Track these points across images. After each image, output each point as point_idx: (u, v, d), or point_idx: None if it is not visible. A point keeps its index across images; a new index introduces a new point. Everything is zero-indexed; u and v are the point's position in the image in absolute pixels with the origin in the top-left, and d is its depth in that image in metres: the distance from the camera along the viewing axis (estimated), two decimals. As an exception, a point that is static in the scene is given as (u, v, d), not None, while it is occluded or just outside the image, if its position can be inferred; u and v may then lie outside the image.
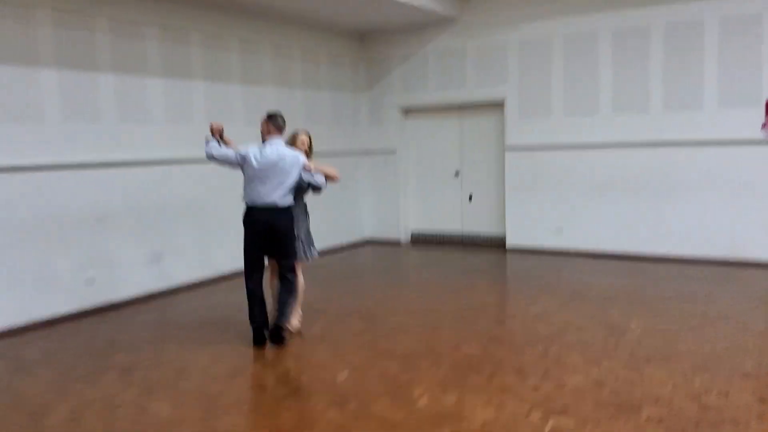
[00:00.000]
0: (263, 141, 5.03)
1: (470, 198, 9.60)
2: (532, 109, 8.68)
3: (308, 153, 5.25)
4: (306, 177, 5.00)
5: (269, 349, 5.00)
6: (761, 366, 4.28)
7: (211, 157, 5.04)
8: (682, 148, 7.77)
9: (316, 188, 5.14)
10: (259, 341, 4.96)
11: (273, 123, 5.06)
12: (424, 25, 9.23)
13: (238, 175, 5.22)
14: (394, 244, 9.95)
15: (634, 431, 3.42)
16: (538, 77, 8.57)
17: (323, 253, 9.08)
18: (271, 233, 4.91)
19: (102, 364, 4.77)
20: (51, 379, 4.48)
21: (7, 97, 5.60)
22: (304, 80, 8.92)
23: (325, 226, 9.29)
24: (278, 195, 4.89)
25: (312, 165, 5.05)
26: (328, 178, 5.14)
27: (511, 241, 9.04)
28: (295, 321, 5.20)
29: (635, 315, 5.59)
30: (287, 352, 4.90)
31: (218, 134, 5.12)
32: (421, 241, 10.05)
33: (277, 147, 4.97)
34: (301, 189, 5.10)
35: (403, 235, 10.11)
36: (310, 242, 5.30)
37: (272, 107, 8.26)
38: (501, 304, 6.46)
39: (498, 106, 9.02)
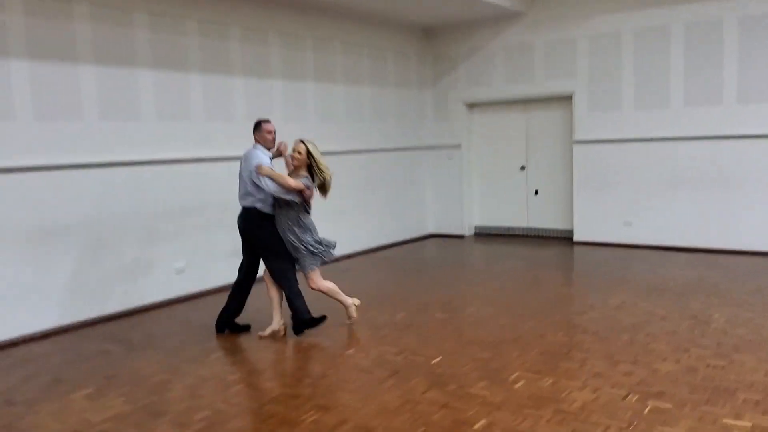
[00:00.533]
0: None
1: (536, 192, 9.68)
2: (601, 103, 8.71)
3: (307, 162, 5.13)
4: (254, 179, 4.99)
5: (362, 334, 5.23)
6: None
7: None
8: (756, 140, 7.71)
9: (274, 194, 5.00)
10: (218, 329, 5.39)
11: (257, 127, 5.28)
12: (491, 20, 9.34)
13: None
14: (458, 238, 10.09)
15: (732, 414, 3.51)
16: (608, 71, 8.60)
17: (389, 247, 9.34)
18: (242, 234, 5.28)
19: (206, 346, 5.07)
20: (162, 359, 4.80)
21: (110, 97, 5.97)
22: (372, 77, 9.14)
23: (390, 220, 9.54)
24: (239, 195, 5.20)
25: (265, 170, 4.95)
26: (280, 185, 4.93)
27: (578, 236, 9.09)
28: (353, 311, 5.43)
29: (716, 306, 5.63)
30: (378, 338, 5.11)
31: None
32: (484, 235, 10.18)
33: (248, 150, 5.18)
34: (287, 203, 5.06)
35: (467, 230, 10.25)
36: (302, 254, 5.14)
37: (342, 104, 8.61)
38: (578, 295, 6.56)
39: (566, 100, 9.08)
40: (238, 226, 5.21)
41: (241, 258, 5.42)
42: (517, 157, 9.80)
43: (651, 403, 3.68)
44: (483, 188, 10.22)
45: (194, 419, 3.70)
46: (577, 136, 8.95)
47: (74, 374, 4.55)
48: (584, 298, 6.31)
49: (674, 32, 8.06)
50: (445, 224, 10.35)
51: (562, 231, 9.46)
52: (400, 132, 9.74)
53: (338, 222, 8.54)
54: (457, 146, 10.08)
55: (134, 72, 6.19)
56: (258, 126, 5.24)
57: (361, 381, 4.23)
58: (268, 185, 4.94)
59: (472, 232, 10.35)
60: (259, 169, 4.95)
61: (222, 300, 5.60)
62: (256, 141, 5.21)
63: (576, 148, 8.99)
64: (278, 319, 5.23)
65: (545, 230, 9.66)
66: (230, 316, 5.35)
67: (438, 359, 4.58)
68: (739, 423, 3.41)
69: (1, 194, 5.23)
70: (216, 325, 5.37)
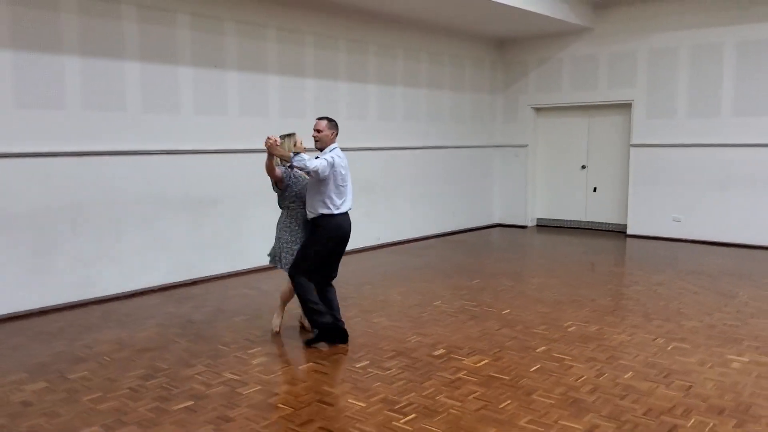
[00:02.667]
0: (326, 146, 4.81)
1: (594, 189, 10.75)
2: (657, 111, 9.72)
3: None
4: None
5: (446, 293, 6.52)
6: None
7: (321, 174, 4.63)
8: (799, 149, 8.60)
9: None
10: (342, 337, 4.92)
11: (338, 129, 4.92)
12: (561, 34, 10.46)
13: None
14: (521, 228, 11.25)
15: (735, 353, 4.63)
16: (665, 82, 9.60)
17: (460, 232, 10.59)
18: (346, 240, 4.98)
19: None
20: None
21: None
22: (451, 82, 10.40)
23: (462, 209, 10.81)
24: (350, 199, 4.94)
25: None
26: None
27: (632, 229, 10.13)
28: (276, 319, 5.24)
29: (744, 286, 6.67)
30: (458, 295, 6.38)
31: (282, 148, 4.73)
32: (545, 227, 11.30)
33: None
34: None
35: (530, 221, 11.40)
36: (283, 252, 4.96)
37: (425, 108, 9.89)
38: (626, 274, 7.66)
39: (625, 107, 10.13)
40: (348, 232, 4.92)
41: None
42: (578, 157, 10.88)
43: (674, 344, 4.84)
44: (546, 184, 11.34)
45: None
46: (634, 140, 9.98)
47: (228, 307, 5.96)
48: (631, 276, 7.42)
49: (726, 50, 9.01)
50: (509, 215, 11.52)
51: (616, 225, 10.51)
52: (474, 132, 10.98)
53: (417, 209, 9.89)
54: (524, 146, 11.23)
55: (225, 74, 7.62)
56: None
57: (448, 321, 5.52)
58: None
59: (534, 223, 11.49)
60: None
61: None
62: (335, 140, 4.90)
63: (633, 151, 10.03)
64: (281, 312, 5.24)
65: (601, 224, 10.73)
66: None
67: (507, 311, 5.82)
68: (739, 358, 4.53)
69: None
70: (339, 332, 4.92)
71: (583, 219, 10.96)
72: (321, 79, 8.27)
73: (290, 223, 4.92)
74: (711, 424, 3.50)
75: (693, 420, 3.55)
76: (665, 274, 7.31)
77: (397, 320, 5.55)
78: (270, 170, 4.76)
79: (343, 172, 4.80)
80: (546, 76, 10.87)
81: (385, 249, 9.11)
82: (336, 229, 4.80)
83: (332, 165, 4.67)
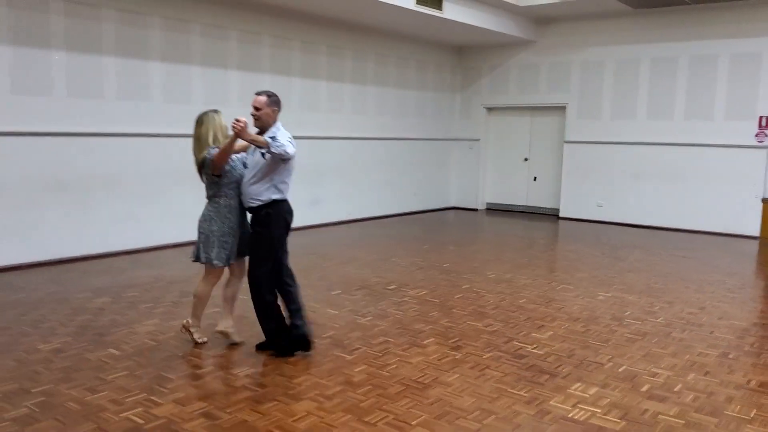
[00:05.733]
0: (267, 126, 4.26)
1: (535, 179, 12.60)
2: (586, 113, 11.59)
3: None
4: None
5: (402, 251, 8.27)
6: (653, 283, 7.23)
7: (283, 158, 4.14)
8: (696, 148, 10.52)
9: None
10: (305, 345, 4.44)
11: (280, 105, 4.37)
12: (509, 44, 12.26)
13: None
14: (473, 211, 13.07)
15: (603, 291, 6.45)
16: (593, 89, 11.47)
17: (421, 212, 12.38)
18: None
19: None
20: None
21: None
22: (417, 83, 12.14)
23: (422, 193, 12.58)
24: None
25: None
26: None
27: (563, 213, 12.00)
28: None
29: (635, 254, 8.55)
30: (410, 255, 8.13)
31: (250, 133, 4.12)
32: (494, 210, 13.14)
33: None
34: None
35: (480, 205, 13.22)
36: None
37: (393, 105, 11.62)
38: (548, 244, 9.50)
39: (561, 109, 11.98)
40: (290, 223, 4.46)
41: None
42: (521, 151, 12.72)
43: (562, 286, 6.66)
44: (495, 173, 13.16)
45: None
46: (567, 137, 11.84)
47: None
48: (551, 246, 9.26)
49: (642, 64, 10.90)
50: (463, 200, 13.33)
51: (552, 209, 12.38)
52: (434, 126, 12.74)
53: (384, 190, 11.63)
54: (477, 140, 13.04)
55: (260, 76, 9.27)
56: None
57: (400, 269, 7.28)
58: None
59: (485, 207, 13.31)
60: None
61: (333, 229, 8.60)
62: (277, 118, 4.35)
63: (566, 147, 11.89)
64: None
65: (540, 208, 12.59)
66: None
67: (447, 265, 7.60)
68: (604, 294, 6.36)
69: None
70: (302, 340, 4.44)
71: (525, 204, 12.81)
72: (309, 79, 9.94)
73: (228, 212, 4.37)
74: (566, 325, 5.30)
75: (555, 323, 5.35)
76: (578, 245, 9.18)
77: (361, 268, 7.28)
78: (224, 158, 4.19)
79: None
80: (496, 80, 12.67)
81: (354, 223, 10.85)
82: (289, 213, 4.39)
83: (292, 143, 4.19)
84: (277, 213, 4.31)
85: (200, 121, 4.38)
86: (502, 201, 13.14)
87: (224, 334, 4.62)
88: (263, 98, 4.26)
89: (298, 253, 7.94)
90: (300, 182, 9.99)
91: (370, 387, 3.91)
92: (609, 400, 3.79)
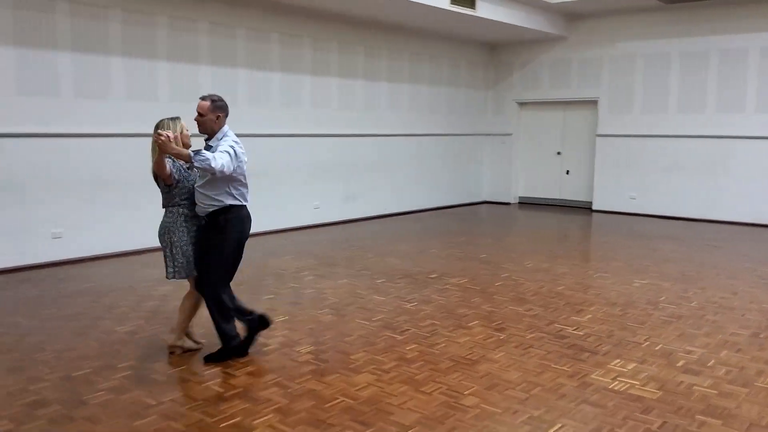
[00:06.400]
0: (212, 132, 4.16)
1: (567, 172, 12.80)
2: (618, 107, 11.76)
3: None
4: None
5: (438, 243, 8.58)
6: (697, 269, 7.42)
7: (226, 172, 3.96)
8: (724, 140, 10.65)
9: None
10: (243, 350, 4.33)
11: (226, 110, 4.24)
12: (541, 41, 12.47)
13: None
14: (505, 204, 13.31)
15: (639, 279, 6.69)
16: (624, 83, 11.64)
17: (453, 207, 12.67)
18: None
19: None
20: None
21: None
22: (449, 80, 12.43)
23: (455, 187, 12.87)
24: (248, 192, 4.31)
25: None
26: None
27: (596, 206, 12.20)
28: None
29: (669, 244, 8.74)
30: (448, 246, 8.44)
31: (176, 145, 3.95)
32: (526, 203, 13.37)
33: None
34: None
35: (513, 199, 13.46)
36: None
37: (426, 103, 11.93)
38: (582, 236, 9.73)
39: (593, 103, 12.17)
40: (248, 230, 4.32)
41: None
42: (554, 145, 12.93)
43: (599, 274, 6.91)
44: (527, 167, 13.39)
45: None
46: (600, 131, 12.03)
47: (278, 250, 8.06)
48: (585, 237, 9.49)
49: (672, 58, 11.04)
50: (495, 194, 13.58)
51: (584, 202, 12.58)
52: (466, 122, 13.02)
53: (419, 185, 11.94)
54: (509, 134, 13.28)
55: (301, 78, 9.65)
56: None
57: (439, 260, 7.60)
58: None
59: (517, 200, 13.55)
60: None
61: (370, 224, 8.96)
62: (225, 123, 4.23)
63: (598, 140, 12.07)
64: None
65: (572, 201, 12.79)
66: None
67: (484, 255, 7.89)
68: (640, 281, 6.60)
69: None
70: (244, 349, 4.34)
71: (557, 197, 13.02)
72: (346, 79, 10.30)
73: (184, 221, 4.22)
74: (604, 309, 5.57)
75: (593, 307, 5.62)
76: (612, 236, 9.40)
77: (401, 259, 7.62)
78: (161, 168, 4.03)
79: (246, 160, 4.18)
80: (528, 76, 12.90)
81: (389, 218, 11.18)
82: (248, 220, 4.27)
83: (236, 156, 4.04)
84: (235, 218, 4.17)
85: (156, 128, 4.10)
86: (534, 194, 13.36)
87: (180, 348, 4.41)
88: (207, 103, 4.09)
89: (337, 246, 8.34)
90: (335, 179, 10.39)
91: (423, 362, 4.24)
92: (647, 374, 4.07)
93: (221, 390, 3.77)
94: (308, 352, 4.42)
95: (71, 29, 7.12)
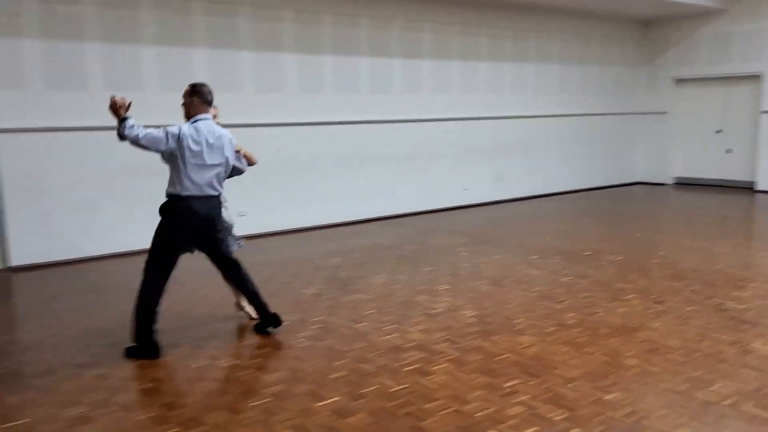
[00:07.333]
0: (189, 116, 4.18)
1: (728, 151, 12.21)
2: (786, 81, 11.06)
3: None
4: (232, 160, 4.33)
5: (592, 221, 8.67)
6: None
7: (134, 141, 3.92)
8: None
9: (241, 172, 4.52)
10: (155, 353, 4.11)
11: (200, 97, 4.18)
12: (699, 14, 11.97)
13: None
14: (660, 185, 12.94)
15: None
16: (794, 55, 10.92)
17: (605, 188, 12.53)
18: (209, 227, 4.23)
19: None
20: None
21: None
22: (600, 59, 12.28)
23: (608, 168, 12.73)
24: (218, 182, 4.20)
25: (240, 146, 4.44)
26: (249, 161, 4.56)
27: (761, 186, 11.57)
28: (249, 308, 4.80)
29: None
30: (602, 224, 8.50)
31: (125, 111, 3.93)
32: (683, 184, 12.92)
33: (211, 125, 4.18)
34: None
35: (668, 179, 13.05)
36: (229, 234, 4.68)
37: (576, 82, 11.89)
38: (743, 216, 9.36)
39: (755, 78, 11.52)
40: (209, 218, 4.19)
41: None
42: (713, 123, 12.37)
43: (762, 253, 6.73)
44: (683, 147, 12.91)
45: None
46: (764, 107, 11.37)
47: (433, 228, 8.57)
48: (747, 217, 9.13)
49: None
50: (650, 174, 13.23)
51: (746, 182, 11.95)
52: (618, 101, 12.79)
53: (569, 166, 11.98)
54: (664, 113, 12.87)
55: (449, 63, 10.06)
56: (207, 93, 4.23)
57: (593, 238, 7.72)
58: (244, 165, 4.50)
59: (673, 181, 13.12)
60: (238, 147, 4.41)
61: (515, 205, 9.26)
62: (205, 111, 4.21)
63: (763, 117, 11.42)
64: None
65: (733, 181, 12.19)
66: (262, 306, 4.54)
67: (639, 234, 7.90)
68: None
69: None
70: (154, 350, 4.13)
71: (717, 177, 12.46)
72: (511, 63, 10.57)
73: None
74: (766, 285, 5.51)
75: (755, 284, 5.57)
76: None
77: (554, 238, 7.83)
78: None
79: (195, 148, 4.04)
80: (684, 52, 12.42)
81: (539, 198, 11.32)
82: (183, 214, 4.10)
83: (174, 136, 3.99)
84: (169, 210, 4.12)
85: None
86: (691, 175, 12.87)
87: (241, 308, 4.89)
88: (186, 89, 4.23)
89: (489, 225, 8.69)
90: (484, 161, 10.70)
91: (582, 328, 4.52)
92: (813, 346, 4.09)
93: (400, 342, 4.29)
94: (472, 316, 4.84)
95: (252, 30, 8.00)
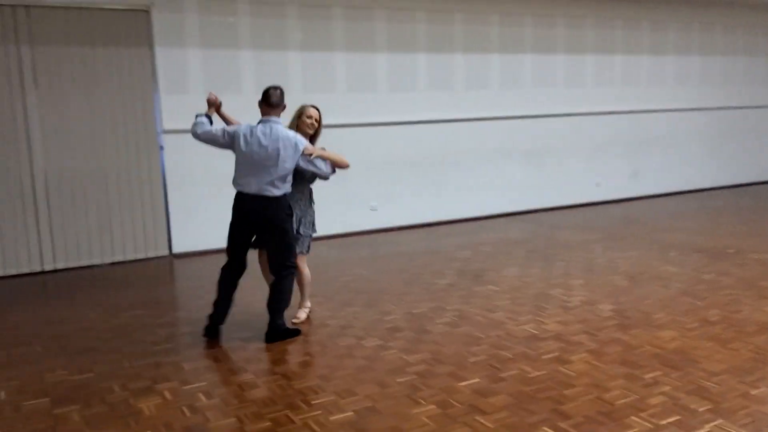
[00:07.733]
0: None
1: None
2: None
3: (316, 131, 4.65)
4: (303, 164, 4.33)
5: (734, 217, 8.26)
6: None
7: (195, 136, 4.33)
8: None
9: (321, 176, 4.52)
10: (210, 333, 4.49)
11: (265, 100, 4.32)
12: None
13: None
14: (813, 182, 12.03)
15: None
16: None
17: (748, 185, 11.79)
18: (263, 225, 4.33)
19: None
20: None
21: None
22: (745, 49, 11.59)
23: (748, 165, 12.00)
24: (268, 184, 4.23)
25: (315, 150, 4.39)
26: (336, 165, 4.50)
27: None
28: (302, 314, 4.82)
29: None
30: (742, 221, 8.08)
31: (215, 109, 4.47)
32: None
33: (272, 128, 4.25)
34: (303, 176, 4.52)
35: (822, 176, 12.08)
36: (310, 234, 4.74)
37: (718, 74, 11.28)
38: None
39: None
40: (261, 216, 4.29)
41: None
42: None
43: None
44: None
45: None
46: None
47: (563, 224, 8.49)
48: None
49: None
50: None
51: None
52: (765, 93, 12.01)
53: (710, 161, 11.44)
54: (818, 105, 11.93)
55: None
56: (273, 96, 4.34)
57: (732, 236, 7.37)
58: (322, 167, 4.44)
59: (827, 178, 12.12)
60: (312, 152, 4.37)
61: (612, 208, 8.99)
62: (271, 114, 4.33)
63: None
64: (307, 302, 4.92)
65: None
66: (222, 318, 4.55)
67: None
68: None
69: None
70: (209, 328, 4.50)
71: None
72: (631, 55, 10.28)
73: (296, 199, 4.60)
74: None
75: None
76: None
77: (693, 235, 7.55)
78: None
79: (244, 148, 4.25)
80: None
81: (676, 195, 10.90)
82: (235, 208, 4.37)
83: (229, 135, 4.33)
84: (233, 204, 4.39)
85: (300, 113, 4.63)
86: None
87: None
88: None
89: (623, 221, 8.51)
90: (618, 156, 10.43)
91: (727, 325, 4.41)
92: None
93: (536, 332, 4.40)
94: (610, 310, 4.85)
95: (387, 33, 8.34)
